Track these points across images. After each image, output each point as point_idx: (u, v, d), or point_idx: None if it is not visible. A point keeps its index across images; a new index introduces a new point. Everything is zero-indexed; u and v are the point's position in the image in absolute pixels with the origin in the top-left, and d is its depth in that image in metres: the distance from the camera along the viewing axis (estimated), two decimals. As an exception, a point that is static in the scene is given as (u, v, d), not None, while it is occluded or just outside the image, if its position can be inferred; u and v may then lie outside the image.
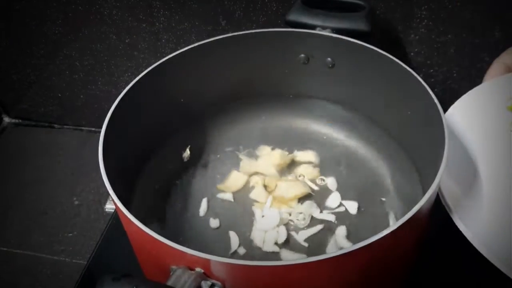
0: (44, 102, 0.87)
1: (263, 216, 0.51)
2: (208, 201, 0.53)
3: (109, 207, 0.68)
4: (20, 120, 0.91)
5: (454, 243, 0.53)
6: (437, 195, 0.42)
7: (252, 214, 0.52)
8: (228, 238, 0.49)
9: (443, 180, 0.43)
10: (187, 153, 0.58)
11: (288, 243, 0.49)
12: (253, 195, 0.53)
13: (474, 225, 0.41)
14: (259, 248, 0.49)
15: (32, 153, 0.85)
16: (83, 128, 0.89)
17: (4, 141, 0.88)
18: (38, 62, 0.80)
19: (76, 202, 0.75)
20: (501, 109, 0.49)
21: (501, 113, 0.49)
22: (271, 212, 0.51)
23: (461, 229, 0.41)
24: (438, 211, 0.43)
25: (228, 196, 0.53)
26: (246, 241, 0.49)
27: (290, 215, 0.51)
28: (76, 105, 0.85)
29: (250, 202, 0.53)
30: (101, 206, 0.73)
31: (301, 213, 0.51)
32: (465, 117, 0.49)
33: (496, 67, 0.52)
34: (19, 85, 0.85)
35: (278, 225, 0.50)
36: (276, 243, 0.49)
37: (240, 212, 0.52)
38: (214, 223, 0.51)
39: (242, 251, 0.49)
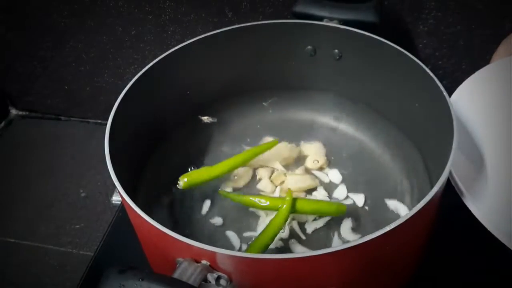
0: (50, 94, 0.87)
1: (268, 213, 0.51)
2: (213, 196, 0.53)
3: (116, 199, 0.68)
4: (26, 112, 0.92)
5: (463, 236, 0.53)
6: (446, 188, 0.41)
7: (256, 212, 0.51)
8: (232, 235, 0.49)
9: (454, 162, 0.42)
10: (208, 118, 0.58)
11: (295, 236, 0.49)
12: (260, 186, 0.53)
13: (485, 206, 0.41)
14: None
15: (38, 145, 0.85)
16: (89, 120, 0.89)
17: (11, 133, 0.88)
18: (45, 54, 0.81)
19: (83, 194, 0.75)
20: (507, 90, 0.49)
21: (507, 94, 0.49)
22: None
23: (472, 210, 0.40)
24: (447, 202, 0.43)
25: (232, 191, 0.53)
26: (251, 238, 0.49)
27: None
28: (83, 97, 0.85)
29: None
30: (108, 198, 0.74)
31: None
32: (471, 100, 0.48)
33: (503, 48, 0.51)
34: (25, 77, 0.85)
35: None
36: (281, 239, 0.49)
37: (245, 208, 0.52)
38: (218, 220, 0.51)
39: (245, 248, 0.48)
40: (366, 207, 0.51)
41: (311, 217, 0.50)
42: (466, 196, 0.41)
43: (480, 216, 0.40)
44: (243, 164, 0.52)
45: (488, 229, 0.39)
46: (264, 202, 0.48)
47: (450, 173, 0.42)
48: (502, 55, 0.52)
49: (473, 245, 0.52)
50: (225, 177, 0.54)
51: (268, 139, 0.58)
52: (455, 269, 0.52)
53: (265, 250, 0.44)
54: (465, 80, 0.50)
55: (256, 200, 0.48)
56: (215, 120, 0.59)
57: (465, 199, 0.41)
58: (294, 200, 0.47)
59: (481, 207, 0.41)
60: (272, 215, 0.50)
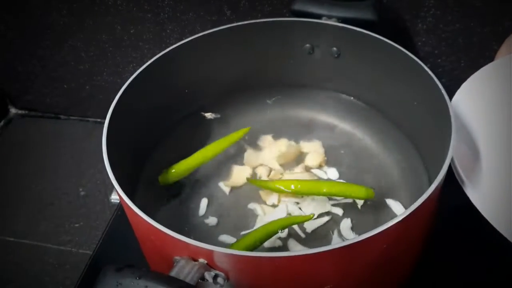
0: (50, 93, 0.87)
1: (266, 212, 0.51)
2: (211, 194, 0.53)
3: (115, 198, 0.68)
4: (26, 111, 0.91)
5: (463, 236, 0.53)
6: (446, 188, 0.41)
7: (255, 210, 0.51)
8: (229, 233, 0.49)
9: (457, 154, 0.42)
10: (211, 114, 0.58)
11: (294, 235, 0.49)
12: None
13: (485, 198, 0.41)
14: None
15: (38, 144, 0.85)
16: (89, 119, 0.89)
17: (11, 132, 0.88)
18: (44, 53, 0.80)
19: (82, 193, 0.75)
20: (507, 89, 0.49)
21: (508, 93, 0.49)
22: (279, 208, 0.50)
23: (472, 199, 0.40)
24: (445, 202, 0.43)
25: (228, 191, 0.53)
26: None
27: (298, 204, 0.51)
28: (82, 96, 0.85)
29: (252, 199, 0.52)
30: (107, 196, 0.73)
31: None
32: (472, 100, 0.48)
33: (505, 47, 0.51)
34: (25, 76, 0.85)
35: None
36: (279, 238, 0.49)
37: (243, 207, 0.52)
38: (215, 218, 0.51)
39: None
40: (366, 206, 0.51)
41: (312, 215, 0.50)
42: (466, 185, 0.41)
43: (480, 206, 0.40)
44: (216, 154, 0.54)
45: (487, 218, 0.39)
46: (294, 187, 0.49)
47: (452, 161, 0.42)
48: (504, 54, 0.51)
49: (473, 245, 0.52)
50: (224, 176, 0.54)
51: (267, 137, 0.58)
52: (455, 268, 0.52)
53: (253, 249, 0.44)
54: (467, 79, 0.49)
55: (283, 186, 0.49)
56: (218, 116, 0.59)
57: (465, 187, 0.41)
58: (320, 183, 0.49)
59: (481, 197, 0.41)
60: (270, 214, 0.50)
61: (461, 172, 0.42)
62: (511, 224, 0.39)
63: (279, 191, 0.50)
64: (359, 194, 0.48)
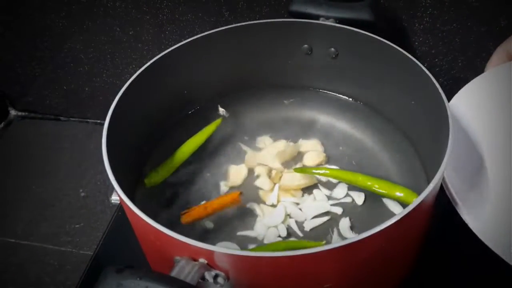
0: (49, 95, 0.87)
1: (265, 212, 0.51)
2: (210, 194, 0.53)
3: (115, 198, 0.68)
4: (26, 113, 0.92)
5: (458, 236, 0.53)
6: (442, 188, 0.41)
7: (254, 210, 0.51)
8: (228, 234, 0.49)
9: (448, 172, 0.42)
10: (222, 110, 0.59)
11: (293, 235, 0.49)
12: (258, 183, 0.53)
13: (479, 217, 0.41)
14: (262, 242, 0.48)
15: (38, 146, 0.85)
16: (88, 120, 0.89)
17: (11, 134, 0.89)
18: (43, 55, 0.81)
19: (83, 194, 0.75)
20: (504, 97, 0.49)
21: (504, 101, 0.49)
22: (277, 208, 0.51)
23: (466, 220, 0.40)
24: (442, 203, 0.43)
25: (227, 191, 0.53)
26: (246, 236, 0.49)
27: (297, 204, 0.51)
28: (82, 98, 0.86)
29: (251, 199, 0.52)
30: (107, 197, 0.74)
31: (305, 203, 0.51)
32: (469, 106, 0.48)
33: (498, 54, 0.51)
34: (24, 78, 0.85)
35: (283, 221, 0.50)
36: (279, 236, 0.49)
37: (242, 207, 0.52)
38: (212, 220, 0.51)
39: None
40: (365, 206, 0.51)
41: (309, 216, 0.50)
42: (460, 207, 0.41)
43: (475, 227, 0.40)
44: (193, 150, 0.55)
45: (483, 241, 0.39)
46: (337, 174, 0.52)
47: (444, 182, 0.42)
48: (495, 64, 0.51)
49: (473, 244, 0.52)
50: (222, 176, 0.55)
51: (264, 138, 0.58)
52: (454, 268, 0.52)
53: None
54: (460, 89, 0.50)
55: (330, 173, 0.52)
56: (227, 115, 0.59)
57: (459, 209, 0.41)
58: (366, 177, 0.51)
59: (476, 217, 0.40)
60: (269, 214, 0.50)
61: (454, 193, 0.41)
62: (510, 246, 0.38)
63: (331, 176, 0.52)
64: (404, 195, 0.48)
